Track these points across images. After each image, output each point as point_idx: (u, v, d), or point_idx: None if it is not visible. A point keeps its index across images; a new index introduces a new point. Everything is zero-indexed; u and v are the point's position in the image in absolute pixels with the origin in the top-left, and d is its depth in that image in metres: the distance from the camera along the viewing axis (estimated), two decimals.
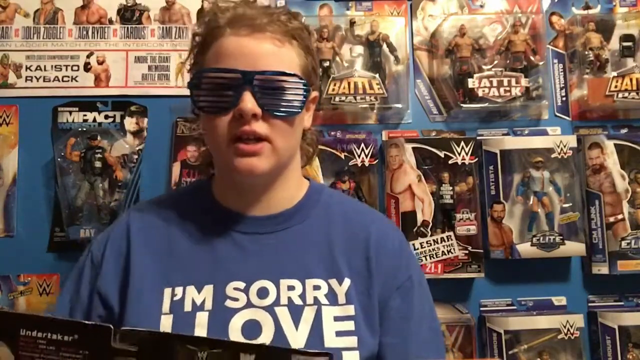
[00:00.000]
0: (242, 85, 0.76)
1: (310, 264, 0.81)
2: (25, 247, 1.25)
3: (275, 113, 0.77)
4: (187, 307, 0.78)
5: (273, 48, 0.79)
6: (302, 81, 0.80)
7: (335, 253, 0.83)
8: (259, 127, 0.77)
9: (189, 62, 0.86)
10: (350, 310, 0.79)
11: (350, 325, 0.78)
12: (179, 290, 0.80)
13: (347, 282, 0.81)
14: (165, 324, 0.77)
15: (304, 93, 0.80)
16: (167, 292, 0.80)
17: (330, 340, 0.76)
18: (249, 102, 0.75)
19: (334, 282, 0.81)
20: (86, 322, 0.53)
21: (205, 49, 0.82)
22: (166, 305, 0.79)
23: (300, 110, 0.80)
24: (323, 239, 0.84)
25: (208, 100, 0.79)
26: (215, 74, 0.78)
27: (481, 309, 1.29)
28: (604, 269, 1.27)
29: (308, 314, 0.77)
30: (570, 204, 1.29)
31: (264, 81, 0.77)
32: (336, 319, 0.78)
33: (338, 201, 0.92)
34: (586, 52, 1.36)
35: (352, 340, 0.77)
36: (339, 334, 0.77)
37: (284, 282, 0.80)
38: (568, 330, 1.23)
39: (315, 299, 0.79)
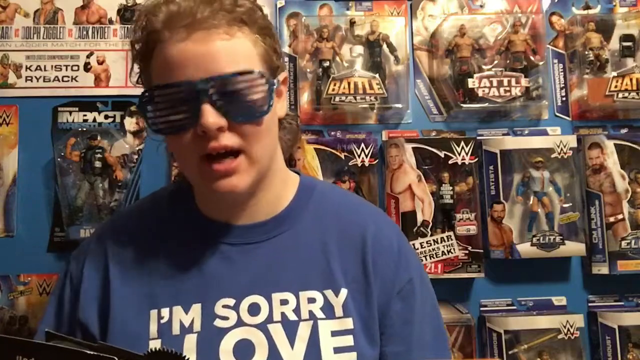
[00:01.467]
0: (197, 97, 0.66)
1: (304, 275, 0.77)
2: (25, 247, 1.25)
3: (241, 119, 0.68)
4: (175, 330, 0.73)
5: (222, 44, 0.68)
6: (264, 76, 0.70)
7: (329, 260, 0.78)
8: (228, 139, 0.68)
9: (135, 74, 0.76)
10: (349, 323, 0.74)
11: (349, 340, 0.73)
12: (165, 312, 0.74)
13: (343, 292, 0.76)
14: None
15: (269, 87, 0.70)
16: (153, 314, 0.74)
17: (328, 358, 0.72)
18: (209, 115, 0.66)
19: (329, 293, 0.76)
20: (88, 351, 0.48)
21: (147, 57, 0.72)
22: (153, 329, 0.73)
23: (269, 108, 0.70)
24: (316, 245, 0.79)
25: (163, 121, 0.69)
26: (163, 91, 0.68)
27: (481, 309, 1.29)
28: (604, 269, 1.27)
29: (304, 331, 0.73)
30: (570, 204, 1.29)
31: (221, 87, 0.67)
32: (334, 333, 0.74)
33: (330, 200, 0.85)
34: (586, 52, 1.36)
35: (352, 357, 0.73)
36: (337, 350, 0.73)
37: (277, 296, 0.75)
38: (568, 330, 1.23)
39: (311, 313, 0.74)
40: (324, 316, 0.74)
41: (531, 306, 1.30)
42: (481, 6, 1.41)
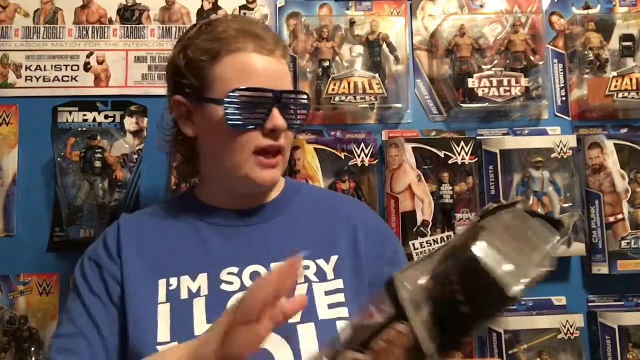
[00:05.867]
0: (272, 103, 0.83)
1: (298, 248, 0.84)
2: (25, 247, 1.25)
3: (294, 128, 0.87)
4: (184, 295, 0.81)
5: (285, 68, 0.88)
6: (309, 98, 0.89)
7: (321, 237, 0.88)
8: (283, 140, 0.85)
9: (182, 63, 0.87)
10: (339, 283, 0.84)
11: (341, 298, 0.82)
12: (173, 281, 0.83)
13: (334, 258, 0.86)
14: (164, 313, 0.80)
15: (309, 107, 0.90)
16: (162, 283, 0.83)
17: (323, 313, 0.80)
18: (280, 119, 0.83)
19: (321, 261, 0.86)
20: None
21: (216, 58, 0.84)
22: (162, 295, 0.82)
23: (305, 123, 0.90)
24: (309, 226, 0.90)
25: (241, 116, 0.83)
26: (250, 93, 0.83)
27: None
28: (604, 269, 1.27)
29: (300, 291, 0.81)
30: (570, 204, 1.29)
31: (288, 99, 0.85)
32: (327, 293, 0.83)
33: (318, 191, 1.06)
34: (586, 52, 1.36)
35: (344, 311, 0.81)
36: (331, 306, 0.81)
37: (275, 265, 0.83)
38: (568, 330, 1.23)
39: (306, 277, 0.83)
40: (317, 280, 0.84)
41: (531, 306, 1.30)
42: (481, 6, 1.41)
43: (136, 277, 0.84)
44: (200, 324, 0.79)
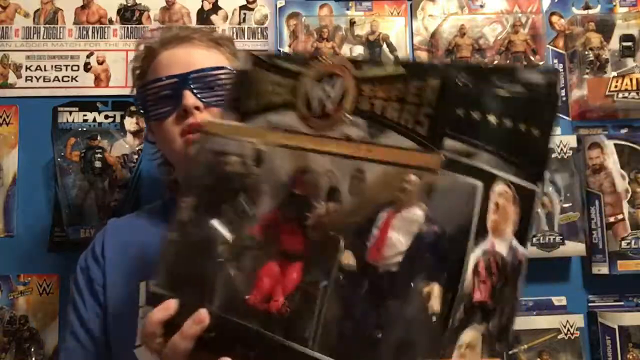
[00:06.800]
0: (180, 87, 0.85)
1: None
2: (25, 247, 1.25)
3: (214, 105, 0.86)
4: None
5: (202, 52, 0.90)
6: (230, 72, 0.88)
7: None
8: (203, 118, 0.84)
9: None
10: None
11: None
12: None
13: None
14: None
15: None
16: (143, 285, 0.85)
17: None
18: (189, 98, 0.84)
19: None
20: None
21: (144, 74, 0.92)
22: (143, 298, 0.84)
23: None
24: None
25: (154, 108, 0.88)
26: (154, 84, 0.88)
27: None
28: (604, 269, 1.27)
29: None
30: (570, 204, 1.28)
31: (199, 78, 0.86)
32: None
33: None
34: (586, 52, 1.36)
35: None
36: None
37: None
38: (568, 330, 1.23)
39: None
40: None
41: (531, 306, 1.30)
42: (481, 6, 1.41)
43: (118, 278, 0.87)
44: None
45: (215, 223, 0.59)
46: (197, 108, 0.85)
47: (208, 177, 0.62)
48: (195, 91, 0.85)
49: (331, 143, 0.54)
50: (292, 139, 0.56)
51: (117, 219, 1.00)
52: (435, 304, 0.46)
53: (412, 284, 0.47)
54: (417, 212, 0.49)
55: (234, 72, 0.84)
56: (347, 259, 0.50)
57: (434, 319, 0.46)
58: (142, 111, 0.94)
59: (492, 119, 0.47)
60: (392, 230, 0.49)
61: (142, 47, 0.96)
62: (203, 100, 0.85)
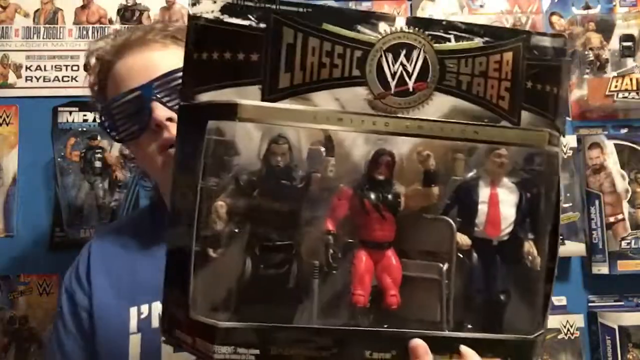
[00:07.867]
0: (146, 99, 0.75)
1: None
2: (25, 247, 1.25)
3: None
4: (155, 323, 0.78)
5: (161, 53, 0.79)
6: None
7: None
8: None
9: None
10: None
11: None
12: (144, 308, 0.79)
13: None
14: (135, 344, 0.77)
15: None
16: (133, 311, 0.79)
17: None
18: (159, 110, 0.75)
19: None
20: None
21: (103, 89, 0.83)
22: (133, 325, 0.78)
23: None
24: None
25: (123, 128, 0.79)
26: (115, 102, 0.78)
27: None
28: (604, 269, 1.27)
29: None
30: (570, 204, 1.28)
31: (164, 84, 0.75)
32: None
33: None
34: (586, 52, 1.36)
35: None
36: None
37: None
38: (568, 330, 1.23)
39: None
40: None
41: None
42: (481, 6, 1.40)
43: (106, 307, 0.81)
44: (167, 356, 0.75)
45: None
46: (170, 119, 0.75)
47: (265, 175, 0.53)
48: (164, 100, 0.75)
49: (424, 124, 0.52)
50: (367, 122, 0.51)
51: (103, 232, 0.94)
52: (539, 259, 0.62)
53: (521, 246, 0.58)
54: (510, 184, 0.57)
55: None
56: (461, 238, 0.55)
57: (540, 271, 0.61)
58: (111, 133, 0.81)
59: (528, 84, 0.54)
60: (502, 205, 0.56)
61: (93, 60, 0.85)
62: (174, 108, 0.74)
